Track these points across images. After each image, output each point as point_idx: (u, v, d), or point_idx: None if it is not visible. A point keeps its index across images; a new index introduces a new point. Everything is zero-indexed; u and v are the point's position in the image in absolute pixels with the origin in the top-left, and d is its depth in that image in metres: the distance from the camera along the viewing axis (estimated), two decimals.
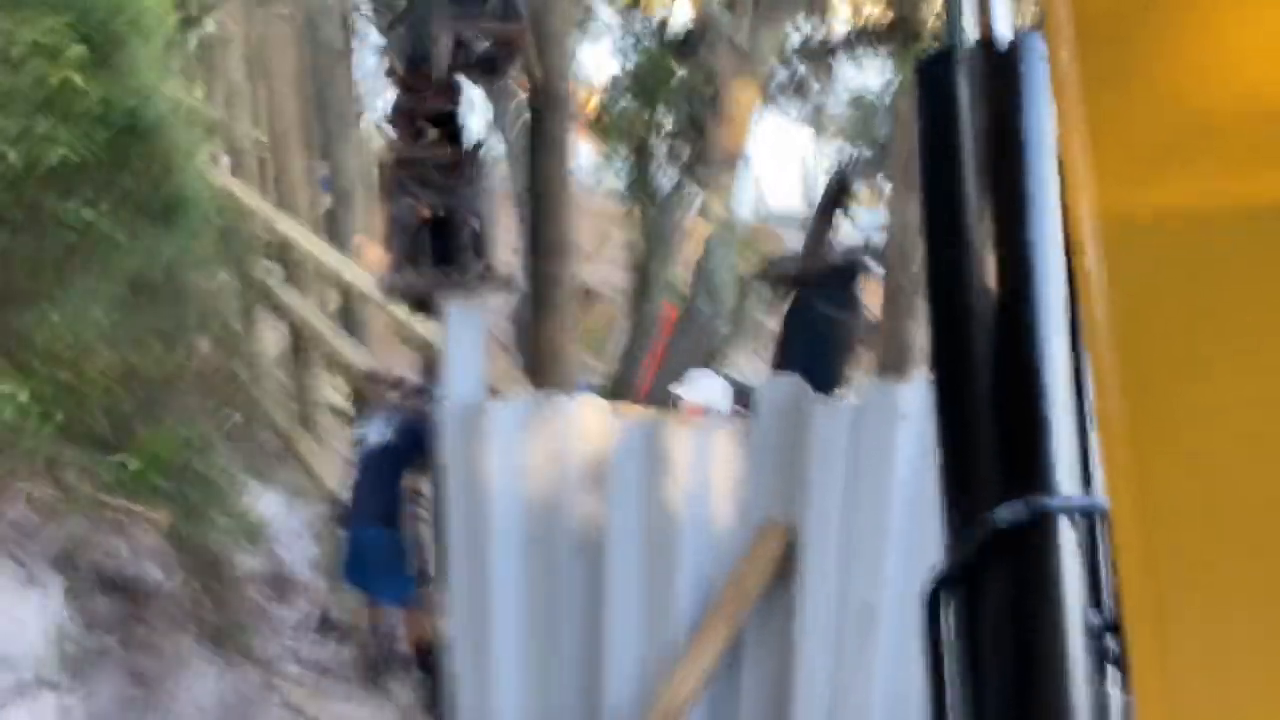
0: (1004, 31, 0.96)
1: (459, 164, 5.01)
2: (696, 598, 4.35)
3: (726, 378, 6.71)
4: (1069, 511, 0.90)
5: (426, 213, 4.96)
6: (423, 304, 5.28)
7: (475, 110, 5.43)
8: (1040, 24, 0.76)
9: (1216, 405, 0.67)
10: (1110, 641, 0.89)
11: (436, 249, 5.01)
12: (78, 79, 5.32)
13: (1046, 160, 0.92)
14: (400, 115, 5.05)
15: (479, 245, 5.07)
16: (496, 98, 9.80)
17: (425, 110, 4.96)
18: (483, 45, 4.70)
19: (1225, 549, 0.68)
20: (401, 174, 5.00)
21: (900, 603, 4.04)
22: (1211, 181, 0.66)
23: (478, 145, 5.16)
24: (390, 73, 5.06)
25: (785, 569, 4.24)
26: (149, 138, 5.87)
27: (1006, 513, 0.90)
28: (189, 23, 9.06)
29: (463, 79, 4.96)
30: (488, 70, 5.06)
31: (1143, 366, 0.70)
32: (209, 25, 9.97)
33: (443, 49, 4.42)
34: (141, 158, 5.83)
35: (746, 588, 4.25)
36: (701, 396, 5.49)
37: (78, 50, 5.37)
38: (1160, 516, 0.70)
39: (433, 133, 5.00)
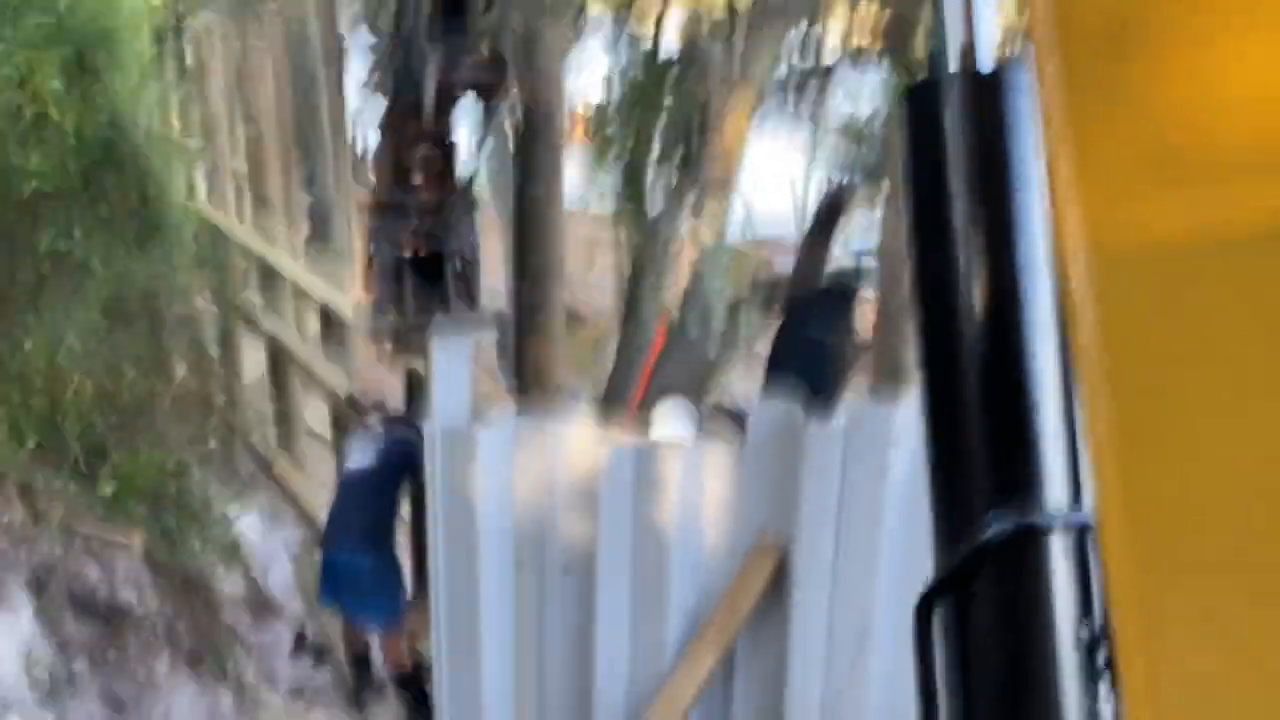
0: (990, 53, 0.98)
1: (445, 202, 5.02)
2: (688, 618, 4.33)
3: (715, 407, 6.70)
4: (1058, 523, 0.92)
5: (411, 251, 4.97)
6: (409, 339, 5.28)
7: (462, 141, 5.46)
8: (1027, 44, 0.75)
9: (1204, 421, 0.67)
10: (1100, 653, 0.90)
11: (421, 286, 5.01)
12: (52, 106, 5.30)
13: (1033, 180, 0.93)
14: (389, 144, 5.05)
15: (465, 283, 5.08)
16: (486, 118, 9.82)
17: (415, 137, 4.96)
18: (472, 73, 4.70)
19: (1213, 561, 0.68)
20: (386, 205, 5.00)
21: (893, 621, 4.04)
22: (1199, 202, 0.66)
23: (466, 184, 5.16)
24: (384, 94, 5.05)
25: (778, 588, 4.23)
26: (126, 163, 5.85)
27: (996, 526, 0.92)
28: (166, 39, 9.05)
29: (453, 104, 4.97)
30: (477, 97, 5.05)
31: (1129, 380, 0.70)
32: (190, 39, 9.97)
33: (433, 77, 4.42)
34: (118, 184, 5.81)
35: (738, 607, 4.24)
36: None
37: (53, 73, 5.34)
38: (1148, 529, 0.70)
39: (418, 162, 4.99)
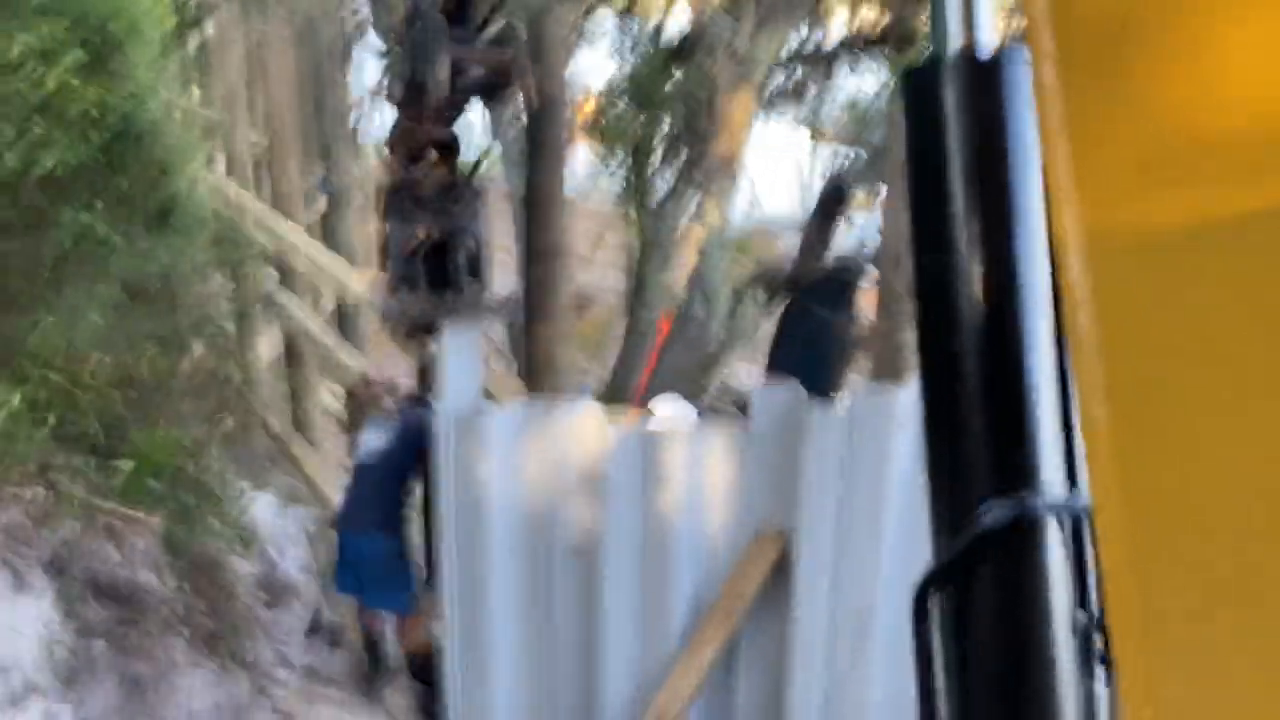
0: (988, 42, 0.98)
1: (456, 187, 5.01)
2: (692, 604, 4.34)
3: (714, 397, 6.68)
4: (1054, 512, 0.93)
5: (423, 236, 4.96)
6: (420, 328, 5.29)
7: (472, 128, 5.43)
8: (1024, 38, 0.76)
9: (1196, 411, 0.69)
10: (1097, 640, 0.91)
11: (433, 273, 5.01)
12: (74, 83, 5.29)
13: (1031, 169, 0.93)
14: (398, 139, 5.05)
15: (476, 268, 5.08)
16: (493, 105, 9.79)
17: (423, 135, 4.96)
18: (479, 71, 4.69)
19: (1206, 549, 0.69)
20: (398, 198, 5.00)
21: (894, 607, 4.04)
22: (1191, 196, 0.67)
23: (475, 168, 5.16)
24: (389, 97, 5.05)
25: (780, 574, 4.23)
26: (145, 142, 5.84)
27: (994, 514, 0.93)
28: (185, 26, 9.04)
29: (460, 103, 4.95)
30: (484, 95, 5.05)
31: (1125, 374, 0.71)
32: (207, 29, 9.96)
33: (440, 75, 4.41)
34: (137, 162, 5.80)
35: (742, 593, 4.23)
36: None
37: (74, 55, 5.34)
38: (1143, 518, 0.71)
39: (430, 156, 5.00)
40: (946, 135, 0.96)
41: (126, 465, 5.19)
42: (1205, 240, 0.66)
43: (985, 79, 0.96)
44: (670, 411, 5.51)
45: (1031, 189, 0.93)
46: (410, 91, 4.68)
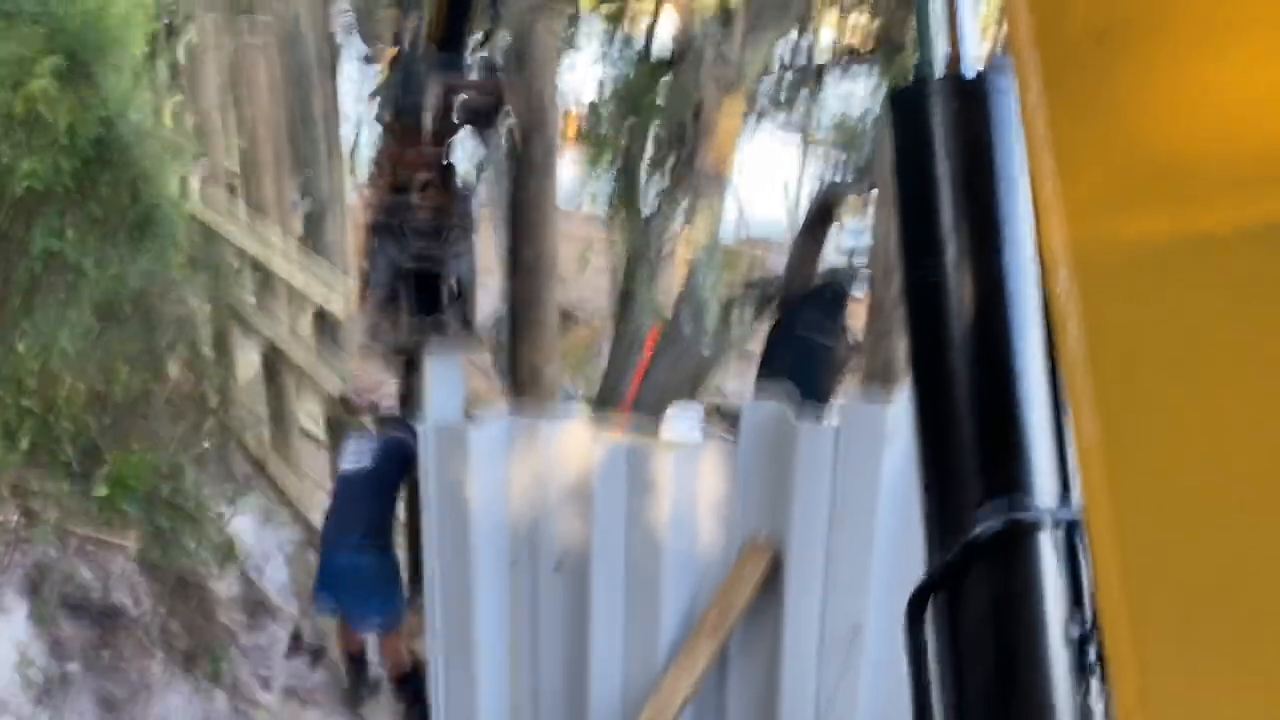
0: (975, 60, 1.01)
1: (446, 214, 5.01)
2: (681, 618, 4.32)
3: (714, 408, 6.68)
4: (1047, 522, 0.94)
5: (409, 263, 4.96)
6: (403, 351, 5.27)
7: (463, 149, 5.43)
8: (1009, 55, 0.77)
9: (1184, 421, 0.69)
10: (1091, 648, 0.93)
11: (419, 299, 5.00)
12: (44, 107, 5.25)
13: (1018, 184, 0.95)
14: (386, 166, 5.03)
15: (460, 305, 5.08)
16: (484, 130, 9.78)
17: (411, 163, 4.95)
18: (470, 97, 4.67)
19: (1196, 560, 0.69)
20: (385, 224, 4.99)
21: (885, 619, 4.02)
22: (1175, 210, 0.67)
23: (465, 204, 5.16)
24: (379, 123, 5.04)
25: (770, 588, 4.21)
26: (121, 158, 5.80)
27: (986, 523, 0.94)
28: (165, 37, 9.01)
29: (452, 130, 4.95)
30: (476, 121, 5.04)
31: (1113, 385, 0.71)
32: (184, 42, 9.94)
33: (431, 104, 4.40)
34: (112, 178, 5.76)
35: (731, 607, 4.22)
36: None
37: (47, 74, 5.30)
38: (1134, 530, 0.71)
39: (419, 185, 4.99)
40: (934, 152, 0.97)
41: (101, 487, 5.14)
42: (1189, 254, 0.67)
43: (971, 96, 0.97)
44: (686, 420, 5.50)
45: (1019, 204, 0.95)
46: (400, 119, 4.65)
